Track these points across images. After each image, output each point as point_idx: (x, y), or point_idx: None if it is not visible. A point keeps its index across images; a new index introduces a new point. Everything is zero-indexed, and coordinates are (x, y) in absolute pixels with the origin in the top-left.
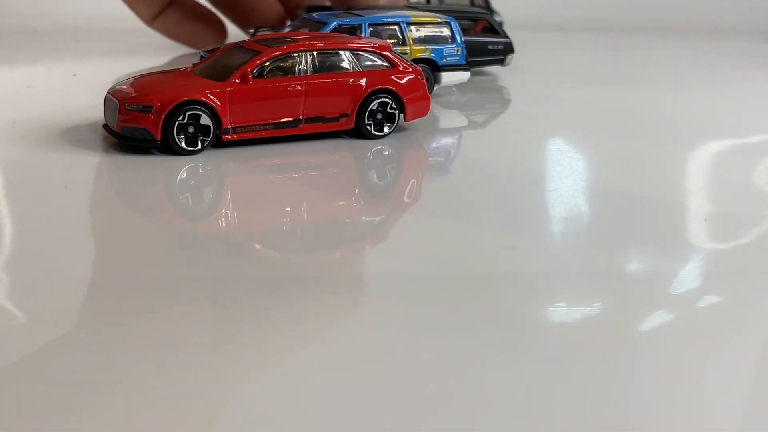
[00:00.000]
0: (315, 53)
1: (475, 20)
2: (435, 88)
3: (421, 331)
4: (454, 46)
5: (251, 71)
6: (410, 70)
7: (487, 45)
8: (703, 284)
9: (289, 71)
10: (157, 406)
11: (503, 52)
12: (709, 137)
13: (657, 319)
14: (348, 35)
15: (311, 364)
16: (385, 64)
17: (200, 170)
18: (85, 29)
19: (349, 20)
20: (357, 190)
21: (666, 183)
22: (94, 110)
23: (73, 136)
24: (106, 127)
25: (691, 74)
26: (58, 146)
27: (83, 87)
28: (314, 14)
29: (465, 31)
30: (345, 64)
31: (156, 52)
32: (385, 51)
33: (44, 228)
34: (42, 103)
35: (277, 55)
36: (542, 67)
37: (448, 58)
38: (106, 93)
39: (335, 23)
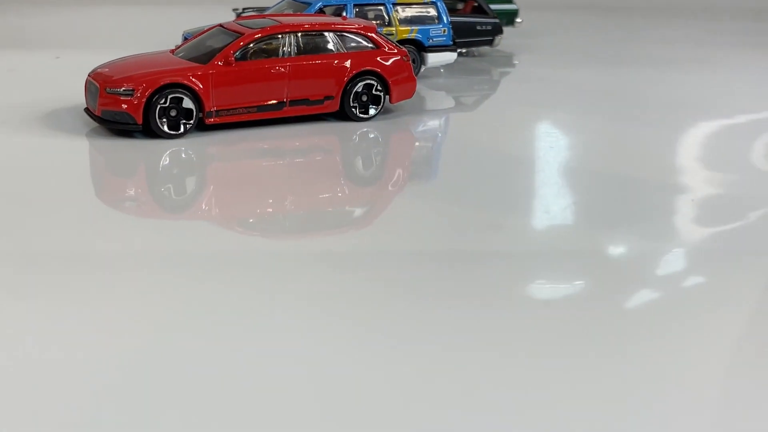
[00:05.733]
0: (299, 35)
1: (464, 1)
2: (422, 69)
3: (407, 309)
4: (441, 26)
5: (234, 53)
6: (395, 51)
7: (475, 26)
8: (688, 264)
9: (272, 53)
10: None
11: (492, 32)
12: (696, 117)
13: (642, 297)
14: (332, 16)
15: (297, 342)
16: (370, 45)
17: (183, 155)
18: (71, 11)
19: (334, 0)
20: (342, 175)
21: (654, 164)
22: (76, 94)
23: (54, 120)
24: (87, 111)
25: (679, 54)
26: (39, 131)
27: (65, 70)
28: None
29: (454, 11)
30: (329, 46)
31: (141, 34)
32: (370, 32)
33: (22, 210)
34: (23, 87)
35: (260, 37)
36: (529, 47)
37: (434, 39)
38: (86, 76)
39: (320, 4)
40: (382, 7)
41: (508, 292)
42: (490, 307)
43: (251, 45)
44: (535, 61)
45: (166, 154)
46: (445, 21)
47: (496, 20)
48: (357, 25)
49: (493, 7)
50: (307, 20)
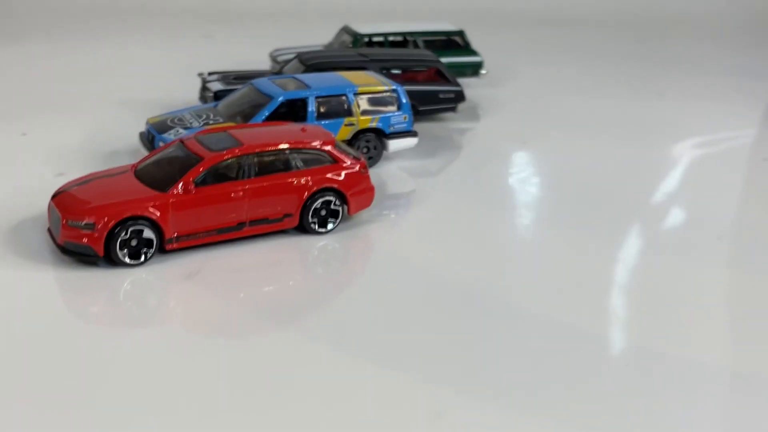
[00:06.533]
0: (258, 155)
1: (426, 68)
2: (383, 154)
3: None
4: (402, 113)
5: (193, 180)
6: (353, 164)
7: (438, 94)
8: None
9: (231, 176)
10: None
11: (455, 100)
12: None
13: None
14: (291, 128)
15: None
16: (328, 159)
17: (143, 282)
18: (39, 78)
19: (295, 93)
20: (296, 302)
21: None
22: (43, 194)
23: (17, 238)
24: (50, 232)
25: (644, 114)
26: (1, 255)
27: (33, 152)
28: (260, 83)
29: (416, 77)
30: (288, 164)
31: (112, 107)
32: (328, 145)
33: None
34: None
35: (220, 162)
36: (492, 102)
37: (395, 126)
38: (49, 199)
39: (282, 98)
40: (343, 98)
41: None
42: None
43: (211, 169)
44: (498, 127)
45: (127, 282)
46: (406, 108)
47: (459, 88)
48: (316, 142)
49: (458, 59)
50: (267, 138)
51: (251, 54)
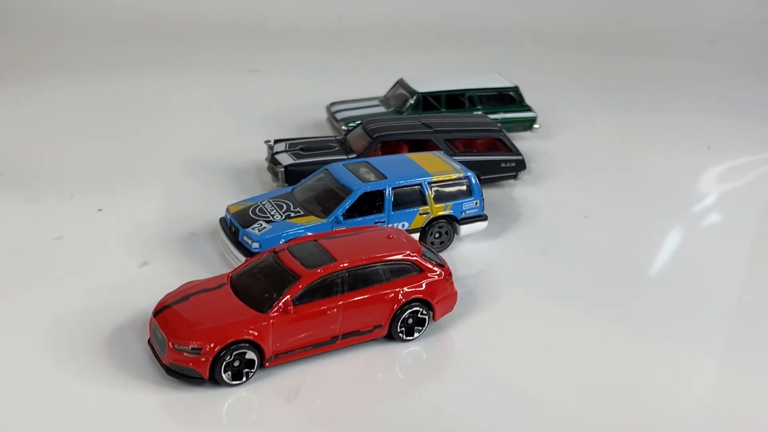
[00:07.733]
0: (351, 271)
1: (488, 138)
2: (454, 238)
3: None
4: (473, 199)
5: (292, 300)
6: (439, 271)
7: (500, 163)
8: None
9: (326, 292)
10: None
11: (516, 168)
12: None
13: None
14: (378, 236)
15: None
16: (416, 268)
17: (245, 401)
18: (108, 153)
19: (373, 185)
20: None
21: None
22: (131, 293)
23: (117, 349)
24: (150, 344)
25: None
26: (105, 373)
27: (112, 234)
28: (336, 171)
29: (474, 143)
30: (378, 276)
31: (180, 170)
32: (414, 256)
33: None
34: (78, 273)
35: (316, 280)
36: (546, 160)
37: (467, 212)
38: (151, 314)
39: (361, 191)
40: (418, 187)
41: None
42: None
43: (307, 287)
44: (556, 193)
45: (230, 404)
46: (478, 193)
47: (520, 157)
48: (404, 253)
49: (512, 115)
50: (358, 250)
51: (300, 93)
